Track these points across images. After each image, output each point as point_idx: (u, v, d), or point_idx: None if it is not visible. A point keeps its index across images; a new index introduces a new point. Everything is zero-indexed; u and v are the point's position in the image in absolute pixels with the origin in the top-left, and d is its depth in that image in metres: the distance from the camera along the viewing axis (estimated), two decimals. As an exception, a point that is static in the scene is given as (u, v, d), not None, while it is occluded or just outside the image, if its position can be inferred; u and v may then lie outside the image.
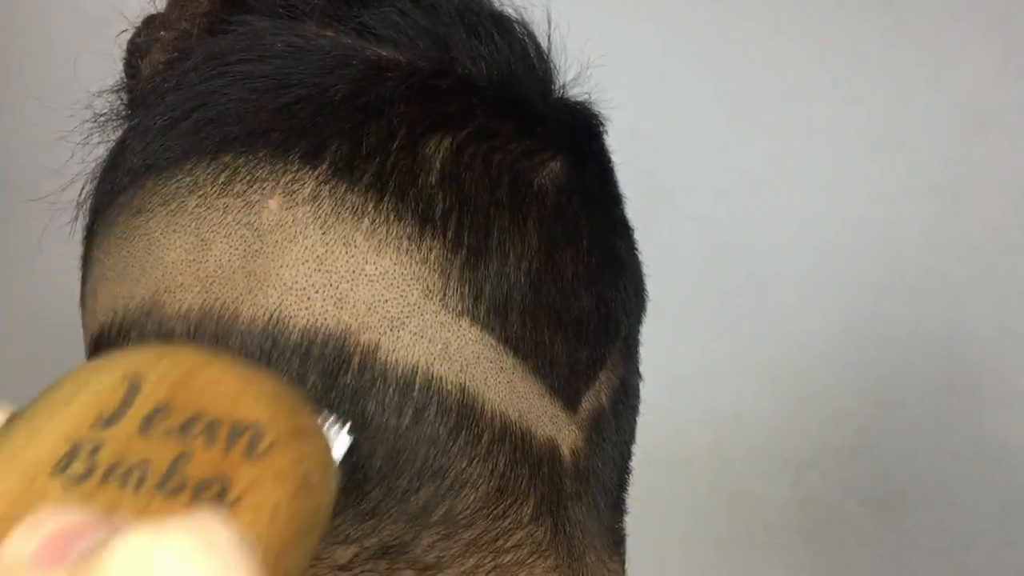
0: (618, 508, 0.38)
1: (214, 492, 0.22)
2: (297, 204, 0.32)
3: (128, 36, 0.38)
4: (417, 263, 0.32)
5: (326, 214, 0.32)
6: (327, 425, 0.28)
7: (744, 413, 0.92)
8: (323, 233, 0.32)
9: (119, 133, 0.37)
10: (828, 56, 0.88)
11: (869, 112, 0.89)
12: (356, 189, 0.32)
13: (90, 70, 0.40)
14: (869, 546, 0.93)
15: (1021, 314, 0.90)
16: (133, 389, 0.23)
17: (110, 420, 0.22)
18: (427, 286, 0.32)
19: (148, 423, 0.22)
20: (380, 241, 0.32)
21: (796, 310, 0.91)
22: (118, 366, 0.24)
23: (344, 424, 0.29)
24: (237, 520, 0.21)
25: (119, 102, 0.38)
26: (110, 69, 0.38)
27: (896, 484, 0.93)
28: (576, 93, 0.38)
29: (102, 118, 0.37)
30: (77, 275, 0.37)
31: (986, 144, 0.88)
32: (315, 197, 0.32)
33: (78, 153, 0.37)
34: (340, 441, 0.28)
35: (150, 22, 0.38)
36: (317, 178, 0.32)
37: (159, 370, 0.24)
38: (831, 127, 0.89)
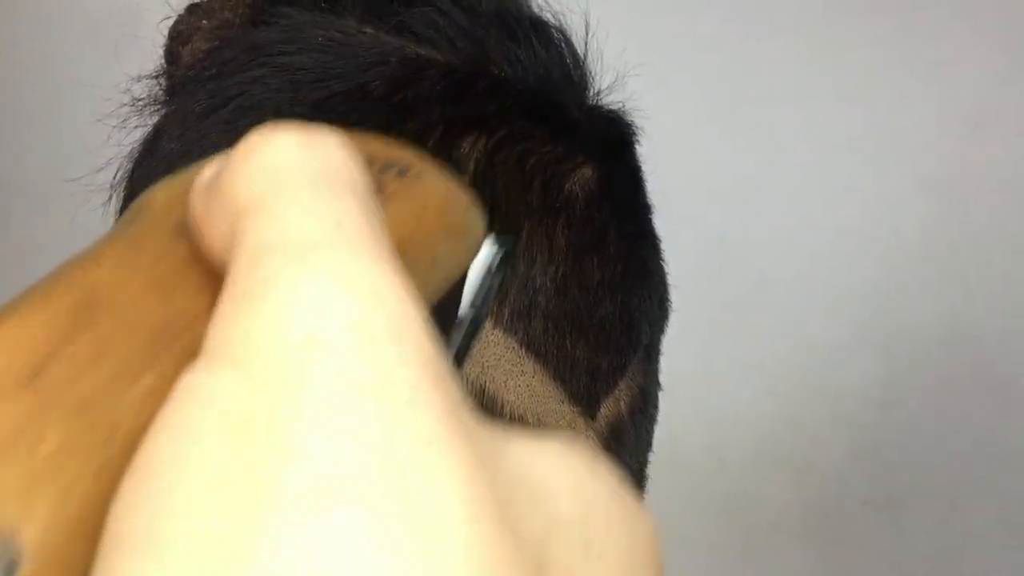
0: None
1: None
2: None
3: (170, 23, 0.38)
4: None
5: None
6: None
7: (744, 415, 0.92)
8: None
9: (156, 119, 0.37)
10: (826, 58, 0.88)
11: (867, 114, 0.88)
12: None
13: (127, 54, 0.40)
14: (870, 547, 0.93)
15: (1021, 314, 0.90)
16: None
17: None
18: None
19: None
20: None
21: (795, 312, 0.91)
22: None
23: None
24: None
25: (158, 88, 0.38)
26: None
27: (896, 485, 0.93)
28: (611, 101, 0.38)
29: (140, 102, 0.37)
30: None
31: (984, 145, 0.88)
32: None
33: (114, 136, 0.37)
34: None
35: (193, 10, 0.38)
36: None
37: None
38: (829, 129, 0.88)
